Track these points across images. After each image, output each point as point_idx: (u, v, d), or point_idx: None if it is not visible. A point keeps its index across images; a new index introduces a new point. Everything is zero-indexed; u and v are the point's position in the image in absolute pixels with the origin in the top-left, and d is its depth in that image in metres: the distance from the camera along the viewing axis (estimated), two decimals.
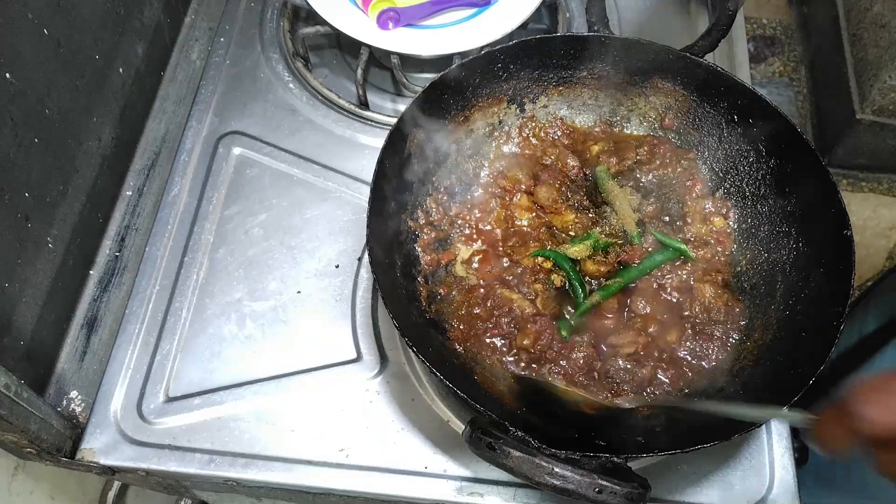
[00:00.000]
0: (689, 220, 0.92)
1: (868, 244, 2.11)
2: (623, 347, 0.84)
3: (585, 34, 0.94)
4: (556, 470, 0.64)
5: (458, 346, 0.84)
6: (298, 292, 0.95)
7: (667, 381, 0.83)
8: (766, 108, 0.87)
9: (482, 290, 0.88)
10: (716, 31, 0.97)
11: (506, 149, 0.99)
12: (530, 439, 0.66)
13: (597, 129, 1.00)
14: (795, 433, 0.89)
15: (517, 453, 0.64)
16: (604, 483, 0.63)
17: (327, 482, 0.84)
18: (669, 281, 0.89)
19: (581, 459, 0.66)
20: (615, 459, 0.67)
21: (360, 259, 0.98)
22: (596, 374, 0.83)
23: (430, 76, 0.93)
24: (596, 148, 0.97)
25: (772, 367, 0.79)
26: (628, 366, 0.83)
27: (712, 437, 0.69)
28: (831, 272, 0.79)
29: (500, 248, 0.92)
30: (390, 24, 1.06)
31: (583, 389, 0.82)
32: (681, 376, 0.83)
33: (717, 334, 0.85)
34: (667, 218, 0.93)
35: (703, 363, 0.84)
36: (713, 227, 0.92)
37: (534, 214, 0.93)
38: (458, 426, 0.87)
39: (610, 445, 0.72)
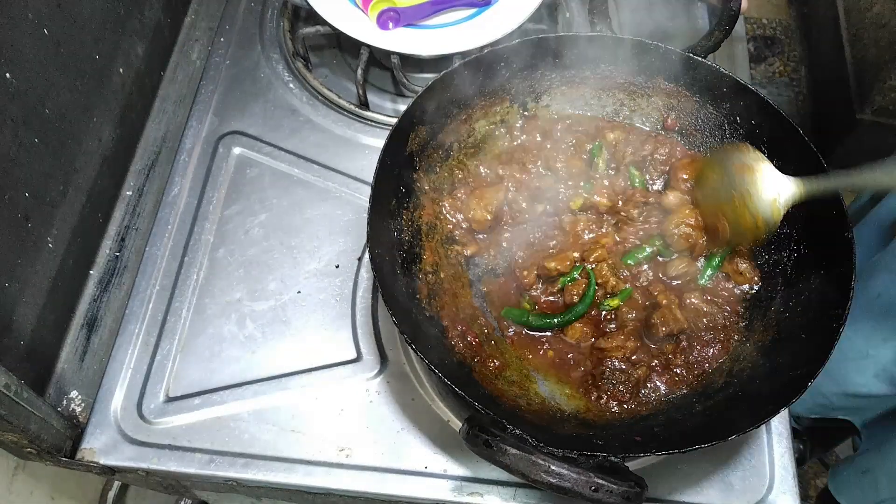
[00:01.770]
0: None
1: None
2: (611, 352, 0.84)
3: (589, 34, 0.94)
4: (553, 468, 0.64)
5: (457, 345, 0.84)
6: (298, 292, 0.95)
7: (663, 386, 0.83)
8: (769, 109, 0.87)
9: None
10: (718, 31, 0.97)
11: (508, 148, 0.98)
12: (528, 437, 0.66)
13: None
14: (796, 433, 0.89)
15: (514, 451, 0.64)
16: (600, 481, 0.63)
17: (327, 482, 0.84)
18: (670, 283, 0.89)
19: (578, 458, 0.66)
20: (612, 458, 0.67)
21: (360, 259, 0.98)
22: (590, 375, 0.84)
23: (431, 76, 0.93)
24: (612, 136, 0.96)
25: (771, 369, 0.79)
26: (623, 367, 0.83)
27: (710, 437, 0.69)
28: (832, 274, 0.79)
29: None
30: (390, 24, 1.06)
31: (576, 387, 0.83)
32: (679, 380, 0.83)
33: (717, 337, 0.85)
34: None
35: (706, 365, 0.84)
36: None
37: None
38: (458, 426, 0.87)
39: (608, 445, 0.72)
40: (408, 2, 1.08)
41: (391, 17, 1.06)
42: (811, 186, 0.78)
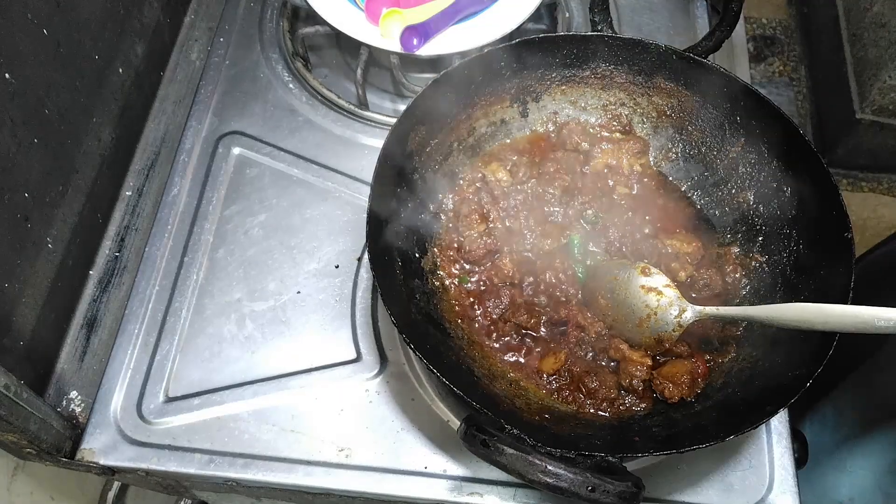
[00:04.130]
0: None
1: (867, 244, 2.10)
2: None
3: (589, 34, 0.94)
4: (550, 468, 0.64)
5: (456, 345, 0.84)
6: (298, 292, 0.95)
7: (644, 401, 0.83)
8: (769, 109, 0.87)
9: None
10: (719, 31, 0.97)
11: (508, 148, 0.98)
12: (525, 437, 0.66)
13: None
14: (795, 433, 0.89)
15: (511, 451, 0.64)
16: (597, 481, 0.63)
17: (327, 482, 0.84)
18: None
19: (576, 458, 0.66)
20: (610, 458, 0.67)
21: (359, 259, 0.98)
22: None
23: (430, 76, 0.94)
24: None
25: (770, 369, 0.79)
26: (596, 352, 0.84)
27: (709, 437, 0.69)
28: (831, 274, 0.79)
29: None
30: (414, 41, 1.02)
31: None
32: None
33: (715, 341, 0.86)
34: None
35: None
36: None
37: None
38: (458, 426, 0.87)
39: (605, 445, 0.73)
40: (422, 16, 1.04)
41: (416, 35, 1.01)
42: (713, 313, 0.81)
